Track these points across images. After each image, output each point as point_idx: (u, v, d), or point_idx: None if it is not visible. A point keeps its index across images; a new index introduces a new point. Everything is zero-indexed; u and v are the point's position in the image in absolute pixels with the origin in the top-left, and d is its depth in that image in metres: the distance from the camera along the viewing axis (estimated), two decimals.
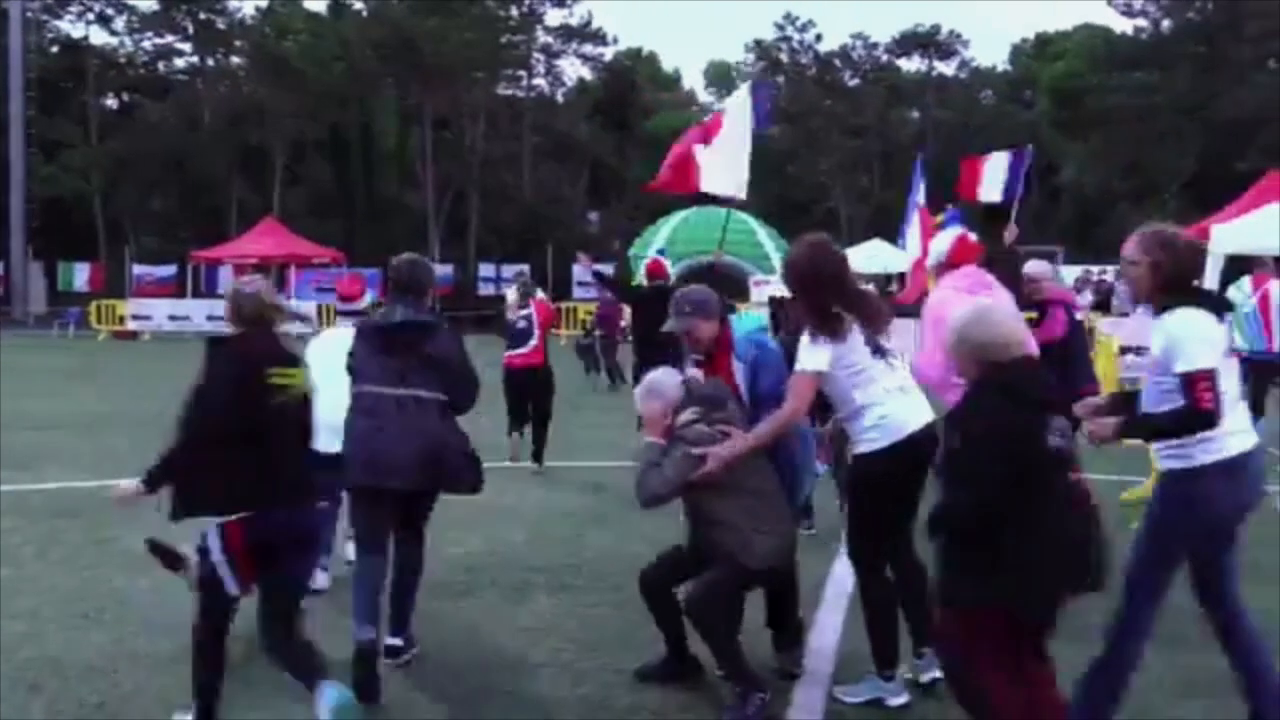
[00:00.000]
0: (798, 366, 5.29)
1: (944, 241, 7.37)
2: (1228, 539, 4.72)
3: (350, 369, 5.90)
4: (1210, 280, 13.09)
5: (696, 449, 5.26)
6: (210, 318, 36.86)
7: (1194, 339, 4.48)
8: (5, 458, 11.83)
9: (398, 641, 5.82)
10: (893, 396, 5.30)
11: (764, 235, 35.48)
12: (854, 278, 5.63)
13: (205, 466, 4.76)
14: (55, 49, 56.09)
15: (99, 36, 57.02)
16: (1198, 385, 4.42)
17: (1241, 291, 11.82)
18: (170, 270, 42.49)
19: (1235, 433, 4.61)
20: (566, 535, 8.59)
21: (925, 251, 9.85)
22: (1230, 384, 4.59)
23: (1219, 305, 4.79)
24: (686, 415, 5.40)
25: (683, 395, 5.51)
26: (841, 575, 7.12)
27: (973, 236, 7.56)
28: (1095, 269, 29.54)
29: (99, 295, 39.79)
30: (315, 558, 5.66)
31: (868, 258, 34.53)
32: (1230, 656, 4.82)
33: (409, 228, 53.40)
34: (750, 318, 6.70)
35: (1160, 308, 4.66)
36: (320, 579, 6.89)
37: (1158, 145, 49.70)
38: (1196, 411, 4.44)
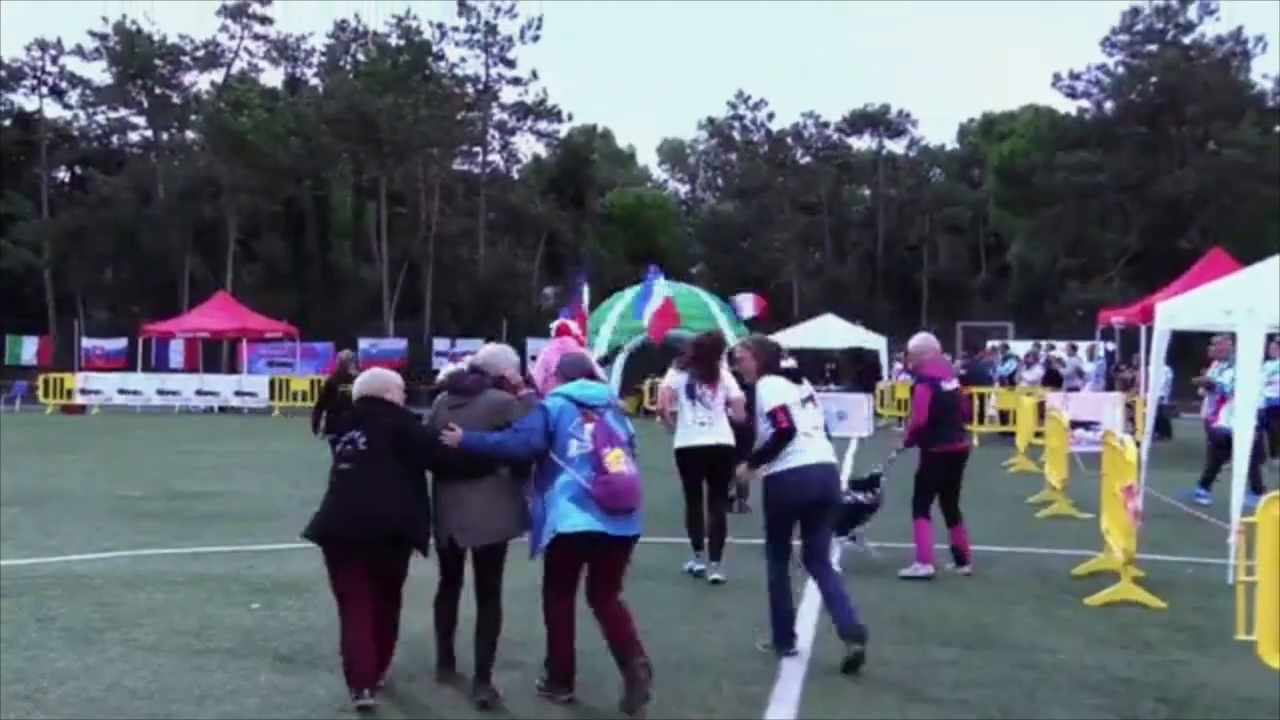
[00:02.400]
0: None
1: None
2: (798, 516, 7.46)
3: None
4: (1157, 355, 13.19)
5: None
6: (161, 392, 36.50)
7: (772, 392, 7.45)
8: None
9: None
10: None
11: (717, 309, 35.55)
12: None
13: None
14: (7, 121, 55.91)
15: (52, 109, 57.06)
16: (777, 415, 7.34)
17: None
18: (120, 344, 42.03)
19: (801, 451, 7.34)
20: (521, 612, 8.41)
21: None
22: (809, 423, 7.47)
23: (794, 377, 7.75)
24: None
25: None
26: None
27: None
28: (1044, 343, 29.74)
29: (47, 369, 39.28)
30: None
31: (820, 332, 34.73)
32: (821, 587, 7.44)
33: (364, 302, 53.31)
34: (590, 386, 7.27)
35: (759, 378, 7.60)
36: None
37: (1102, 222, 50.65)
38: (780, 431, 7.30)
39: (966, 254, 59.55)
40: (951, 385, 10.29)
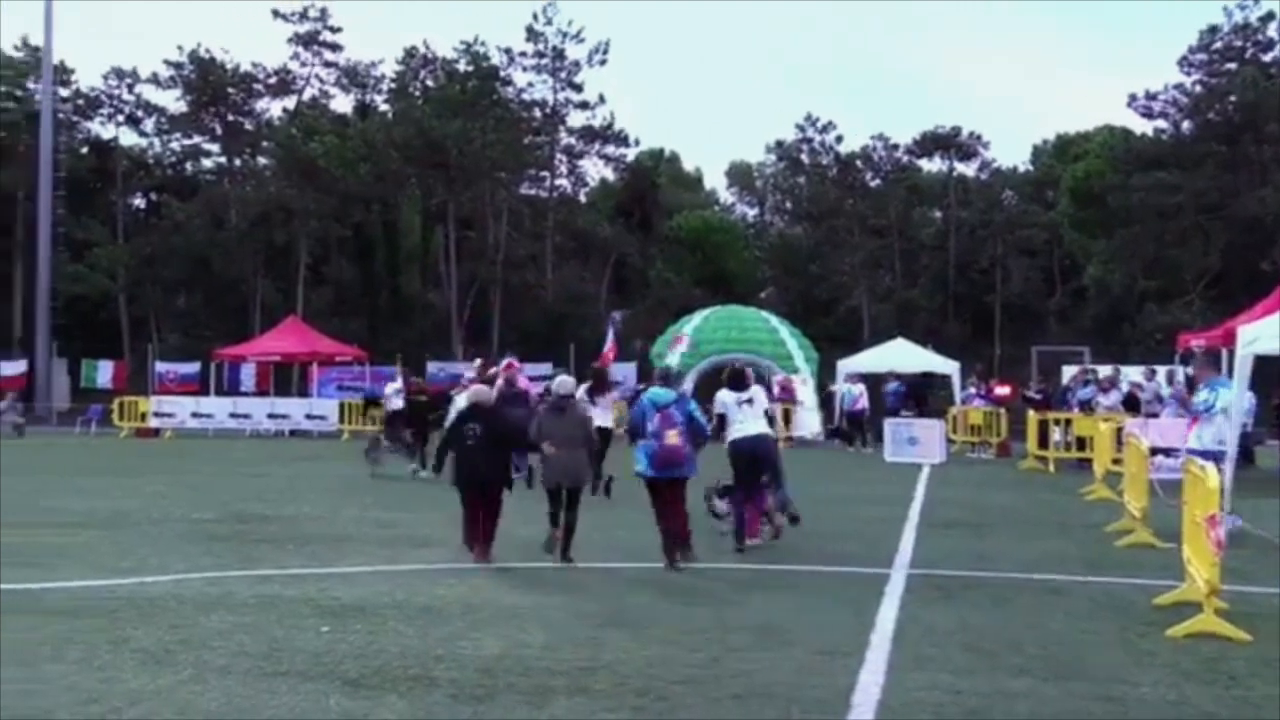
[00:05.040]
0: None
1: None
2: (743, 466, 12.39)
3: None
4: (1239, 380, 12.88)
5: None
6: (233, 415, 36.88)
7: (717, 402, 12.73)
8: (23, 556, 11.82)
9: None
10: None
11: (786, 333, 35.33)
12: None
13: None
14: (85, 149, 56.99)
15: (128, 137, 58.13)
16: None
17: None
18: (193, 368, 42.59)
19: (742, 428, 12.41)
20: (586, 637, 8.38)
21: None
22: (749, 415, 12.49)
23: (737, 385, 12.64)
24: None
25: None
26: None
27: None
28: (1124, 369, 29.15)
29: (122, 393, 39.84)
30: None
31: (895, 356, 34.36)
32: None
33: (432, 326, 53.63)
34: (659, 392, 11.88)
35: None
36: None
37: (1181, 244, 49.67)
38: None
39: (1040, 277, 58.58)
40: None
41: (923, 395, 32.99)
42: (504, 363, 22.28)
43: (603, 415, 17.66)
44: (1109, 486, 17.72)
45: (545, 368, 35.11)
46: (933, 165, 60.40)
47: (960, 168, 59.78)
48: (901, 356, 34.41)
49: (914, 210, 59.72)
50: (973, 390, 31.12)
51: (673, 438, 11.17)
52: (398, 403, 25.48)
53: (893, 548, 12.62)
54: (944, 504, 17.32)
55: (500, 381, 19.25)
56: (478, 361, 26.51)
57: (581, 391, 16.55)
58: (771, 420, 14.04)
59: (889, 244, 57.59)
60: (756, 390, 12.99)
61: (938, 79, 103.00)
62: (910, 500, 17.65)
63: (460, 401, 18.88)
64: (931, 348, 37.06)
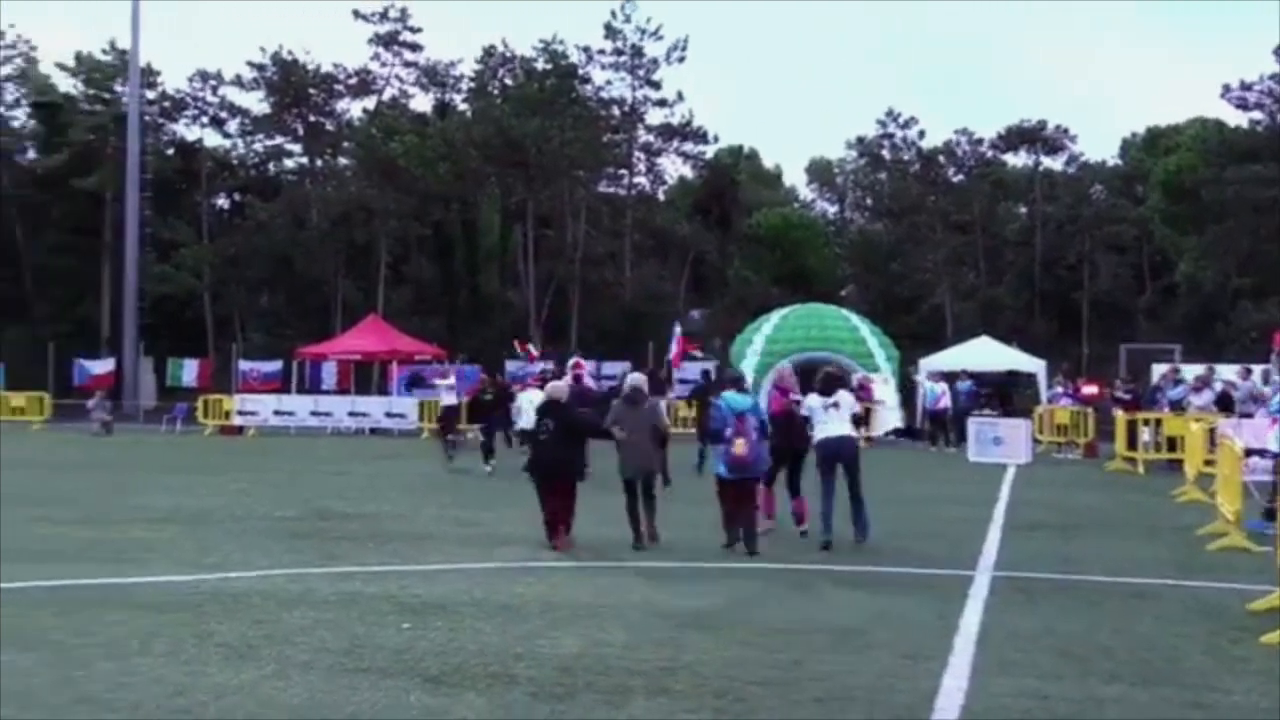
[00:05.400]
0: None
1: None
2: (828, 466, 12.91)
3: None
4: None
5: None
6: (314, 413, 37.29)
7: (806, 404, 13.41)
8: (112, 551, 12.07)
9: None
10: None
11: (866, 331, 34.97)
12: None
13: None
14: (171, 151, 57.98)
15: (212, 139, 58.94)
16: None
17: None
18: (275, 366, 43.14)
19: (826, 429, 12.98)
20: (666, 637, 8.32)
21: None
22: (834, 418, 12.99)
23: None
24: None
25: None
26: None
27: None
28: (1219, 367, 28.47)
29: (206, 391, 40.46)
30: None
31: (979, 354, 33.91)
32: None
33: (510, 325, 53.79)
34: (735, 398, 12.63)
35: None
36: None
37: (1277, 239, 48.39)
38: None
39: (1130, 273, 57.42)
40: None
41: (1007, 394, 32.51)
42: (572, 361, 24.49)
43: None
44: (1201, 488, 17.36)
45: (623, 366, 35.11)
46: (1018, 160, 59.43)
47: (1046, 162, 58.77)
48: (985, 355, 33.94)
49: (998, 206, 58.87)
50: (1059, 389, 30.60)
51: (739, 448, 12.11)
52: (450, 399, 26.71)
53: (976, 549, 12.44)
54: (1029, 505, 17.05)
55: (568, 378, 19.97)
56: (572, 360, 27.76)
57: (814, 399, 16.10)
58: (858, 422, 14.52)
59: (972, 240, 56.81)
60: (843, 395, 13.47)
61: (1023, 72, 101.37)
62: (994, 501, 17.40)
63: (523, 398, 21.66)
64: (1016, 346, 36.52)
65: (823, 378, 13.59)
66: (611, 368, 36.42)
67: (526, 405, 20.89)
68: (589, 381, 21.32)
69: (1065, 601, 9.68)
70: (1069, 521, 15.24)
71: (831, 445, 12.99)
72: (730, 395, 12.60)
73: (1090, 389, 30.29)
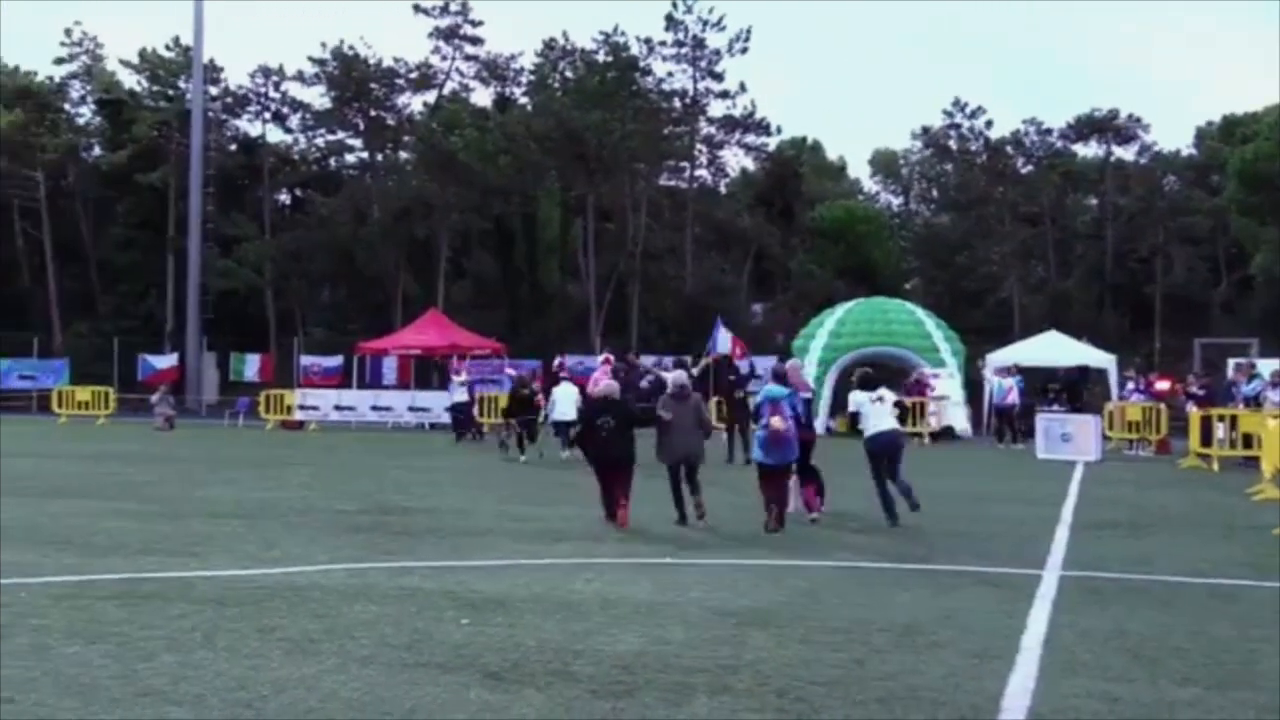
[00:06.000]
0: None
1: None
2: (877, 460, 14.01)
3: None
4: None
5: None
6: (375, 408, 37.52)
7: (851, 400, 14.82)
8: (174, 544, 12.15)
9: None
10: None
11: (932, 326, 34.67)
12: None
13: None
14: (233, 146, 58.66)
15: (274, 134, 59.69)
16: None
17: None
18: (336, 361, 43.48)
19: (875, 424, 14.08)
20: (726, 635, 8.23)
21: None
22: (880, 413, 14.16)
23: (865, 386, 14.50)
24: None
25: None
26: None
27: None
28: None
29: (268, 385, 40.84)
30: None
31: (1048, 349, 33.46)
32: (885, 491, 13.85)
33: (570, 319, 53.90)
34: (774, 389, 13.97)
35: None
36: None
37: None
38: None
39: (1205, 265, 56.51)
40: None
41: (1077, 390, 32.07)
42: (601, 358, 26.64)
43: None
44: (1278, 486, 16.99)
45: (651, 360, 35.11)
46: (1088, 150, 58.73)
47: (1118, 152, 58.01)
48: (1054, 350, 33.54)
49: (1068, 197, 58.17)
50: (1131, 385, 30.14)
51: (776, 422, 13.22)
52: (461, 395, 29.79)
53: (1044, 548, 12.20)
54: (1099, 503, 16.76)
55: (599, 373, 23.04)
56: (556, 361, 31.86)
57: (859, 395, 19.00)
58: (904, 415, 16.00)
59: (1041, 233, 56.15)
60: (884, 390, 14.68)
61: (1093, 60, 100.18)
62: (1063, 499, 17.10)
63: (557, 392, 24.23)
64: (1086, 341, 36.01)
65: (860, 376, 14.99)
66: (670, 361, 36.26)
67: (561, 398, 23.88)
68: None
69: (1137, 602, 9.45)
70: (1141, 520, 14.95)
71: (882, 440, 14.09)
72: (770, 387, 14.05)
73: (1163, 384, 29.87)
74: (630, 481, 13.97)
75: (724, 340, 32.03)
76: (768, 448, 13.40)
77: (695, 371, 20.88)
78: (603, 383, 16.87)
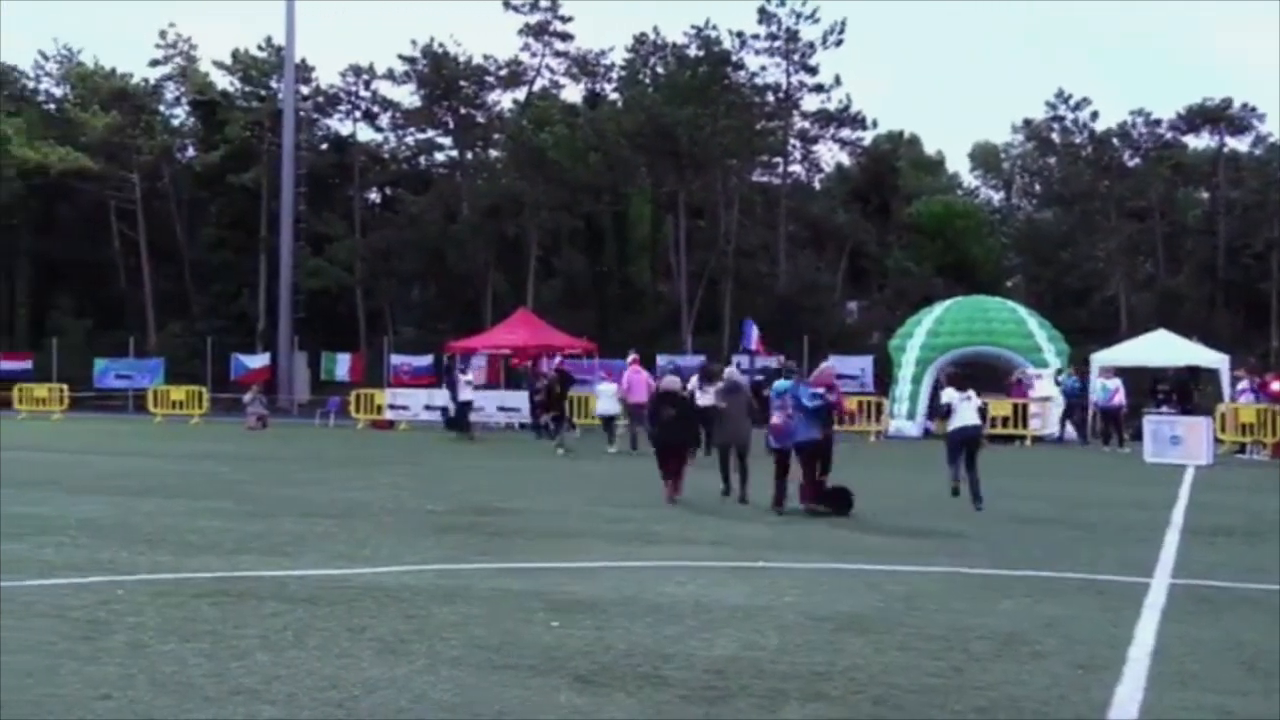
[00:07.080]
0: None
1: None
2: (957, 449, 15.99)
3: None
4: None
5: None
6: None
7: (944, 395, 16.68)
8: (267, 544, 12.30)
9: None
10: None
11: (1035, 325, 33.96)
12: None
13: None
14: (324, 146, 59.34)
15: (365, 133, 60.32)
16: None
17: None
18: (427, 361, 43.73)
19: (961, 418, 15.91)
20: (821, 641, 8.06)
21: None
22: (967, 409, 15.97)
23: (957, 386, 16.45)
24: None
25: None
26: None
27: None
28: None
29: (359, 385, 41.20)
30: None
31: (1156, 349, 32.67)
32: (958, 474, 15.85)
33: (661, 318, 53.77)
34: (781, 384, 16.46)
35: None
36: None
37: None
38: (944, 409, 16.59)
39: None
40: None
41: (1187, 391, 31.25)
42: (630, 358, 28.30)
43: (712, 398, 20.84)
44: None
45: (770, 361, 34.88)
46: (1199, 141, 57.24)
47: (1231, 143, 56.47)
48: (1163, 350, 32.70)
49: (1178, 191, 56.83)
50: (1245, 386, 29.29)
51: (775, 418, 15.84)
52: (467, 393, 31.45)
53: (1153, 555, 11.88)
54: (1211, 509, 16.27)
55: (630, 370, 27.16)
56: (557, 359, 35.37)
57: (694, 380, 22.61)
58: (984, 414, 17.23)
59: (1149, 228, 54.86)
60: (972, 392, 16.54)
61: (1204, 48, 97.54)
62: (1172, 504, 16.69)
63: (600, 388, 27.77)
64: (1197, 340, 35.05)
65: (950, 375, 18.12)
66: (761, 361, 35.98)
67: (604, 394, 27.23)
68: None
69: (1251, 612, 9.14)
70: (1255, 527, 14.49)
71: (967, 432, 15.94)
72: (778, 382, 16.72)
73: (1278, 385, 28.99)
74: (685, 462, 16.91)
75: (753, 338, 35.10)
76: (771, 433, 15.92)
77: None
78: (665, 378, 18.73)
